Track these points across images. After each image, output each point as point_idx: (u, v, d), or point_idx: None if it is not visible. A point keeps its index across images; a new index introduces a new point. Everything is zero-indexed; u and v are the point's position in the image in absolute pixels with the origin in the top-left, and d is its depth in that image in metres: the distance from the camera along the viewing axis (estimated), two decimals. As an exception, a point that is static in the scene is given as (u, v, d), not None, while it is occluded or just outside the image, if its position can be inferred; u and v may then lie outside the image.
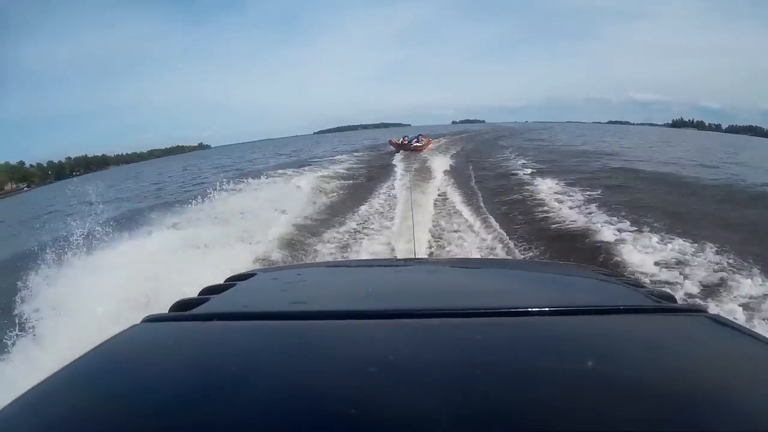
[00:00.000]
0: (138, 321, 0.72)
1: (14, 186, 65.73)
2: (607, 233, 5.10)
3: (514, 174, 10.42)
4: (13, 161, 71.26)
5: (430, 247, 5.26)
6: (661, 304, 0.79)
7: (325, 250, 5.54)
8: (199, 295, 0.89)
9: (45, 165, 75.46)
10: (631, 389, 0.48)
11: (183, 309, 0.77)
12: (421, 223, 5.91)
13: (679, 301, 0.85)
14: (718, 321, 0.70)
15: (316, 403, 0.46)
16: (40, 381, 0.54)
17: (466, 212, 6.85)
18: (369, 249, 5.35)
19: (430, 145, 20.02)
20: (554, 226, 5.80)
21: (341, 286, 1.06)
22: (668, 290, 0.91)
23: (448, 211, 6.97)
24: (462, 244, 5.38)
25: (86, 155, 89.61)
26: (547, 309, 0.71)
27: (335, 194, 8.95)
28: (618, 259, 4.47)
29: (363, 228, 6.36)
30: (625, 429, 0.41)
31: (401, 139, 19.98)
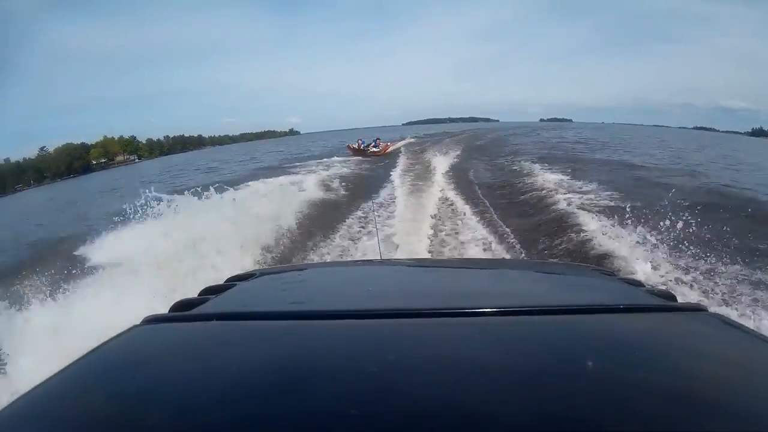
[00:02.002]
0: (138, 320, 0.72)
1: (125, 157, 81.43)
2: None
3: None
4: (126, 136, 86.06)
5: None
6: (663, 303, 0.79)
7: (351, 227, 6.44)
8: (199, 295, 0.90)
9: (144, 142, 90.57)
10: (634, 388, 0.48)
11: (183, 309, 0.78)
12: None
13: (680, 300, 0.85)
14: (720, 320, 0.70)
15: (316, 402, 0.46)
16: (41, 381, 0.55)
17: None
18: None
19: (389, 150, 18.92)
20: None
21: (341, 286, 1.06)
22: (669, 289, 0.91)
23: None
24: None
25: (183, 135, 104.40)
26: (548, 308, 0.72)
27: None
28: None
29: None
30: (629, 428, 0.41)
31: (357, 144, 19.07)
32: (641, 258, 4.30)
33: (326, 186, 9.69)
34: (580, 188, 7.80)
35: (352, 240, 5.86)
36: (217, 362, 0.57)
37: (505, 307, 0.70)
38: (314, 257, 5.27)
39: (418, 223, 6.27)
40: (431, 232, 5.95)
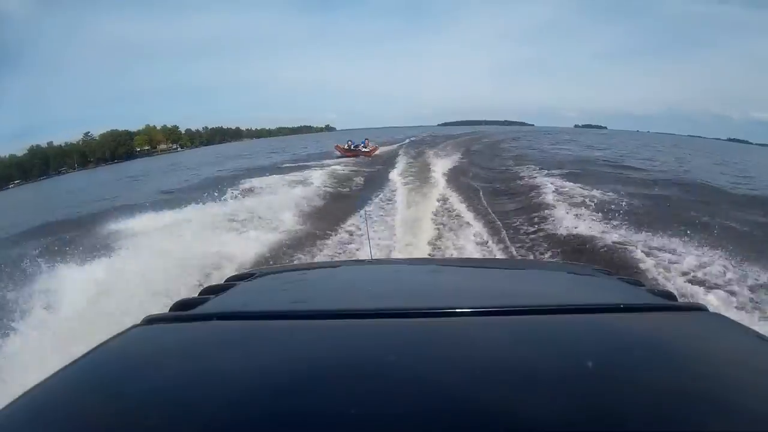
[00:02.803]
0: (139, 320, 0.72)
1: (168, 146, 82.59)
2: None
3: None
4: (168, 125, 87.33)
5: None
6: (663, 303, 0.79)
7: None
8: (199, 295, 0.90)
9: (183, 132, 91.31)
10: (634, 388, 0.48)
11: (183, 309, 0.77)
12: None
13: (680, 300, 0.82)
14: (720, 319, 0.71)
15: (316, 402, 0.46)
16: (40, 381, 0.54)
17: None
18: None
19: (377, 151, 19.52)
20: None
21: (341, 286, 1.05)
22: (668, 289, 0.93)
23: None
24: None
25: (222, 126, 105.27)
26: (548, 308, 0.72)
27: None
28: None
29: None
30: (630, 427, 0.41)
31: (347, 145, 19.25)
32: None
33: (326, 185, 9.72)
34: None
35: (352, 240, 5.76)
36: (217, 362, 0.57)
37: (505, 306, 0.70)
38: (314, 257, 5.17)
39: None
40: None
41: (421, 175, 11.06)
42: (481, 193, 8.80)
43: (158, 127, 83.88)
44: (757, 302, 3.50)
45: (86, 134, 75.33)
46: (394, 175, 11.75)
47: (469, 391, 0.46)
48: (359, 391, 0.48)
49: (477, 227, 6.19)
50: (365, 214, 6.60)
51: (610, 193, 7.79)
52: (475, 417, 0.42)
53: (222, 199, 7.79)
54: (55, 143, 71.08)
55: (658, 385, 0.48)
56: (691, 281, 3.93)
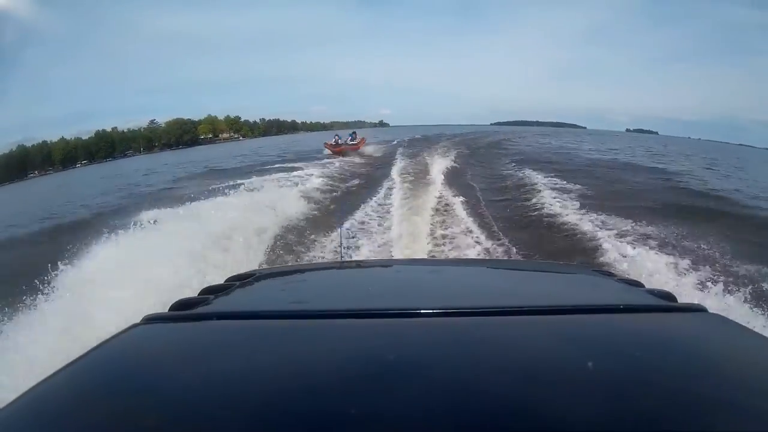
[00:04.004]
0: (138, 320, 0.71)
1: (230, 135, 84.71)
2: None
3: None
4: (231, 116, 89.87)
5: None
6: (663, 304, 0.79)
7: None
8: (199, 294, 0.88)
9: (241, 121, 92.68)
10: (635, 388, 0.48)
11: (183, 308, 0.77)
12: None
13: (680, 300, 0.84)
14: (720, 320, 0.71)
15: (316, 401, 0.46)
16: (41, 380, 0.54)
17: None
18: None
19: (364, 144, 18.65)
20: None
21: (340, 286, 1.06)
22: (668, 290, 0.87)
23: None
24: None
25: (278, 119, 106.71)
26: (548, 308, 0.72)
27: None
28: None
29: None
30: (630, 427, 0.41)
31: (335, 140, 18.32)
32: None
33: (327, 184, 9.66)
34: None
35: (353, 239, 5.54)
36: (216, 361, 0.57)
37: (505, 307, 0.70)
38: (313, 257, 5.03)
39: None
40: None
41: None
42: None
43: (220, 118, 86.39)
44: None
45: (151, 122, 79.43)
46: (395, 172, 11.46)
47: (468, 391, 0.46)
48: (359, 391, 0.48)
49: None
50: (341, 210, 6.70)
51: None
52: (474, 416, 0.42)
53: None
54: (119, 128, 75.20)
55: (659, 386, 0.48)
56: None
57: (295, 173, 11.87)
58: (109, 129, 73.14)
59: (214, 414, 0.44)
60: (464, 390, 0.46)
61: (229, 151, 35.15)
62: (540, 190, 8.32)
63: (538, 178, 9.86)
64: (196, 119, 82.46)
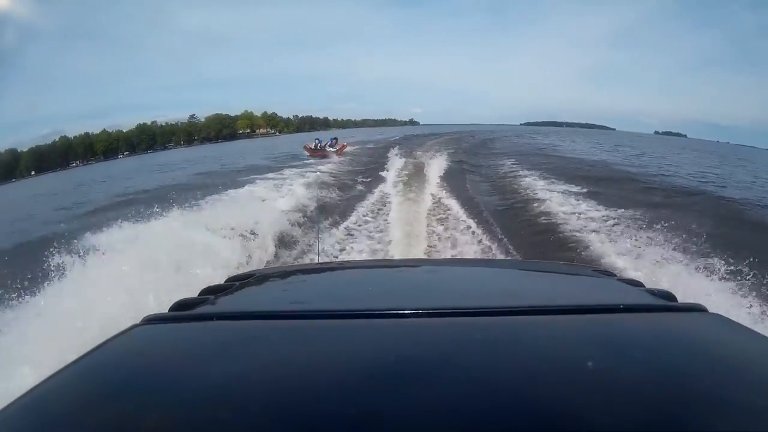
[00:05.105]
0: (138, 320, 0.71)
1: (266, 130, 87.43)
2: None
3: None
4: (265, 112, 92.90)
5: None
6: (663, 303, 0.79)
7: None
8: (199, 295, 0.88)
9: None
10: (635, 388, 0.48)
11: (183, 309, 0.77)
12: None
13: (680, 300, 0.84)
14: (720, 320, 0.71)
15: (317, 402, 0.46)
16: (41, 381, 0.54)
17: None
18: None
19: (346, 149, 18.30)
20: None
21: (341, 286, 1.06)
22: (668, 289, 0.88)
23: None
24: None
25: (311, 115, 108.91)
26: (548, 308, 0.72)
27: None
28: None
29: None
30: (631, 427, 0.41)
31: (314, 144, 18.16)
32: None
33: (325, 183, 9.64)
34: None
35: (355, 239, 5.61)
36: (216, 362, 0.57)
37: (505, 307, 0.70)
38: (313, 257, 4.93)
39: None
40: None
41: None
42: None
43: (257, 113, 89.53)
44: None
45: (191, 116, 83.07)
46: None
47: (470, 391, 0.46)
48: (360, 391, 0.48)
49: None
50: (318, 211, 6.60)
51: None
52: (477, 416, 0.42)
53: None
54: (159, 122, 79.06)
55: (660, 386, 0.48)
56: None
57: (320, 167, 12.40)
58: (149, 122, 77.25)
59: (214, 415, 0.45)
60: (465, 390, 0.46)
61: (272, 144, 36.41)
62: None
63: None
64: (233, 115, 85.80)
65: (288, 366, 0.55)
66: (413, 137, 27.32)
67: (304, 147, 18.71)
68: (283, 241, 5.50)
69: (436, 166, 10.83)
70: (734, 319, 0.73)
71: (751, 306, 3.15)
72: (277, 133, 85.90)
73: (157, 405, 0.48)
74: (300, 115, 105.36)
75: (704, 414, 0.44)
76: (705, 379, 0.51)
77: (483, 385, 0.48)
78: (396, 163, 11.02)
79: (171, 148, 70.62)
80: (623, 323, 0.67)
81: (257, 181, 10.17)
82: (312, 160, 15.99)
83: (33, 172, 54.47)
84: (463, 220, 6.28)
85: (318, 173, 11.28)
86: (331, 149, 17.62)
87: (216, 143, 71.07)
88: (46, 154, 59.80)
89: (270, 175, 11.46)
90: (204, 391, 0.50)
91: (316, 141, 18.46)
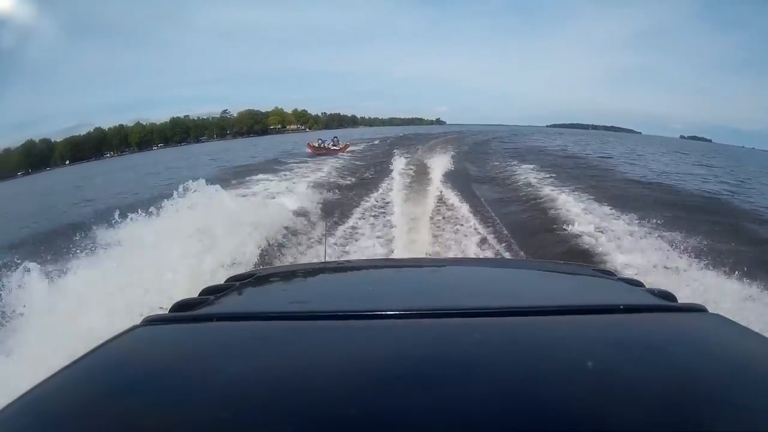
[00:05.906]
0: (138, 321, 0.71)
1: (297, 126, 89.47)
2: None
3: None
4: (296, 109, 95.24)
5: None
6: (663, 303, 0.79)
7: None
8: (199, 295, 0.89)
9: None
10: (635, 388, 0.48)
11: (183, 309, 0.78)
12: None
13: (680, 300, 0.83)
14: (720, 320, 0.71)
15: (317, 402, 0.46)
16: (41, 381, 0.54)
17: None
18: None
19: (348, 148, 19.12)
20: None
21: (341, 286, 1.08)
22: (668, 289, 0.92)
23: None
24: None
25: (339, 113, 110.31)
26: (549, 309, 0.72)
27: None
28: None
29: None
30: (631, 427, 0.41)
31: (318, 143, 19.13)
32: None
33: (326, 182, 9.60)
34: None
35: (354, 239, 5.59)
36: (217, 363, 0.57)
37: (505, 307, 0.71)
38: (312, 257, 4.87)
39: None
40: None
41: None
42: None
43: (287, 110, 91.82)
44: None
45: (224, 111, 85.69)
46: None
47: (469, 391, 0.46)
48: (359, 391, 0.48)
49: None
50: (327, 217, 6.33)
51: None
52: (477, 416, 0.42)
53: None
54: (191, 116, 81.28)
55: (660, 386, 0.48)
56: None
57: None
58: (182, 116, 79.63)
59: (215, 415, 0.45)
60: (469, 390, 0.46)
61: (302, 138, 36.06)
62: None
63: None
64: (264, 111, 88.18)
65: (289, 367, 0.55)
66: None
67: (308, 144, 19.61)
68: (287, 240, 5.36)
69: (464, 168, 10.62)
70: (735, 320, 0.73)
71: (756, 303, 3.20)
72: (307, 130, 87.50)
73: (157, 405, 0.48)
74: (328, 113, 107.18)
75: (704, 414, 0.44)
76: (705, 379, 0.51)
77: (486, 386, 0.48)
78: (400, 163, 10.91)
79: (204, 141, 73.04)
80: (623, 323, 0.67)
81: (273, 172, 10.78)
82: (318, 158, 16.54)
83: (67, 162, 56.14)
84: (466, 216, 6.26)
85: (324, 173, 11.35)
86: (335, 148, 18.45)
87: (248, 137, 73.18)
88: (81, 144, 61.92)
89: (277, 167, 11.99)
90: (204, 391, 0.50)
91: (319, 140, 19.52)
